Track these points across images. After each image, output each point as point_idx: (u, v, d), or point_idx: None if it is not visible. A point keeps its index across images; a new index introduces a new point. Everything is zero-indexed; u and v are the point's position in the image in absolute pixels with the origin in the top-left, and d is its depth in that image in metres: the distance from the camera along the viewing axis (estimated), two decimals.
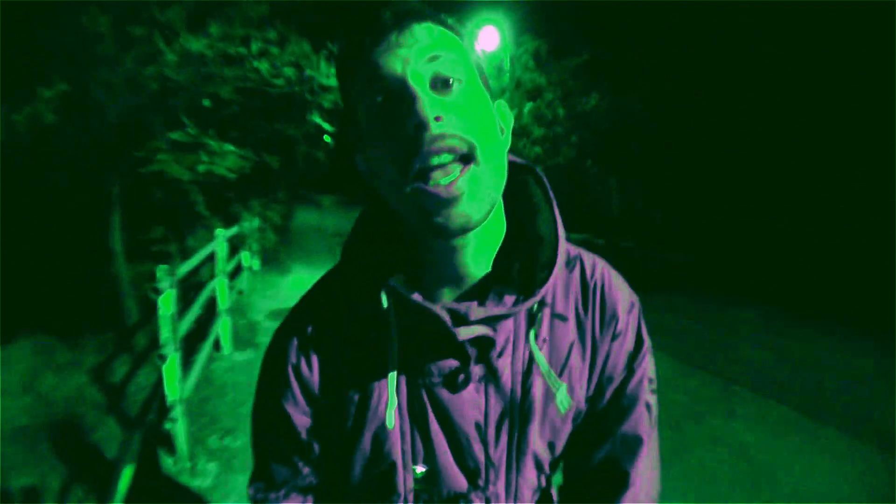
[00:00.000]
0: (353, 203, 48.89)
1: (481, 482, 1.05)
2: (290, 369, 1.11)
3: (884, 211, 13.53)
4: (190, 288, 7.75)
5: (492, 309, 0.97)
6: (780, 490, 4.54)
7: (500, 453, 1.05)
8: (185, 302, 5.75)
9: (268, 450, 1.16)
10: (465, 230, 0.90)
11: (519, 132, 24.22)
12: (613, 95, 20.37)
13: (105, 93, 7.02)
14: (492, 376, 1.02)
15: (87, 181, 7.75)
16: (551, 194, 1.08)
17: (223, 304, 7.57)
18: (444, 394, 1.02)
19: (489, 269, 1.03)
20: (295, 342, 1.12)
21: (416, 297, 0.97)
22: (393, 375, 1.01)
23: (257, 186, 11.99)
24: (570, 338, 1.07)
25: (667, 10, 17.91)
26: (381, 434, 1.04)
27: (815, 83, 15.09)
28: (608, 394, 1.11)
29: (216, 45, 7.60)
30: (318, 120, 10.42)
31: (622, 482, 1.08)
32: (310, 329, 1.12)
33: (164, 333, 4.49)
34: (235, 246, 10.55)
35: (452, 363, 1.01)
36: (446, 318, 0.95)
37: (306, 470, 1.15)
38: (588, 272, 1.12)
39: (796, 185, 16.05)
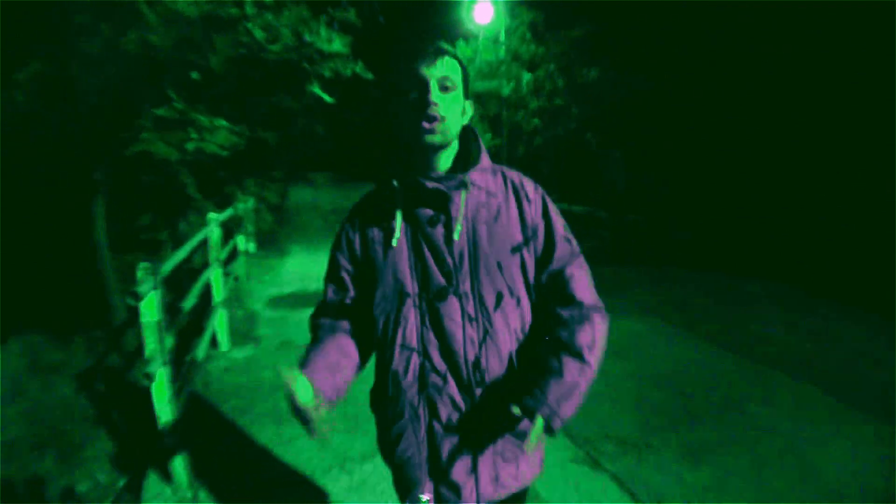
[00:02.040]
0: (346, 180, 48.46)
1: (453, 282, 1.84)
2: (343, 236, 2.03)
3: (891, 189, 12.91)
4: (182, 276, 7.13)
5: (442, 178, 1.84)
6: (828, 483, 4.37)
7: (465, 265, 1.85)
8: (175, 292, 5.16)
9: (325, 287, 2.11)
10: (433, 146, 1.82)
11: (517, 103, 23.76)
12: (618, 70, 19.72)
13: (83, 67, 6.25)
14: (453, 220, 1.86)
15: (68, 167, 7.17)
16: (479, 138, 1.99)
17: (219, 295, 6.98)
18: (428, 230, 1.86)
19: (448, 168, 1.92)
20: (347, 223, 2.04)
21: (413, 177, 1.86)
22: (399, 217, 1.89)
23: (252, 164, 11.23)
24: (499, 202, 1.93)
25: None
26: (394, 255, 1.88)
27: (825, 55, 14.49)
28: (540, 236, 1.96)
29: (204, 7, 6.80)
30: (318, 91, 9.66)
31: (569, 298, 1.95)
32: (356, 213, 2.04)
33: (150, 345, 3.80)
34: (230, 229, 9.82)
35: (430, 212, 1.86)
36: (425, 181, 1.82)
37: (348, 299, 2.05)
38: (507, 174, 2.01)
39: (805, 161, 15.53)
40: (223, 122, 7.64)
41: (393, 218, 1.91)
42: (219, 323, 6.90)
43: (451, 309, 1.84)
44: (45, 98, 6.37)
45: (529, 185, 2.02)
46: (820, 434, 5.04)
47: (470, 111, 1.96)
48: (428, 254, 1.86)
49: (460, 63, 1.87)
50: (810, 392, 5.95)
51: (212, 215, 7.17)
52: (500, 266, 1.87)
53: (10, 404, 5.53)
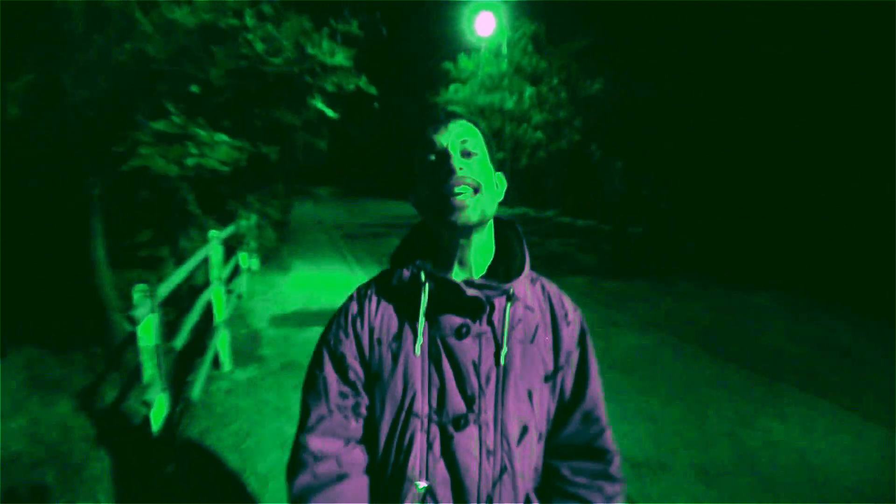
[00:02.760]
0: (348, 195, 48.52)
1: (475, 408, 1.55)
2: (348, 325, 1.66)
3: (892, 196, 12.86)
4: (184, 294, 6.98)
5: (485, 285, 1.56)
6: (842, 495, 4.44)
7: (490, 389, 1.56)
8: (177, 308, 5.02)
9: (320, 396, 1.63)
10: (466, 226, 1.52)
11: (520, 116, 23.73)
12: (620, 80, 19.72)
13: (76, 78, 6.12)
14: (484, 335, 1.57)
15: (64, 182, 7.02)
16: (523, 238, 1.74)
17: (220, 315, 6.83)
18: (452, 341, 1.56)
19: (484, 271, 1.64)
20: (352, 311, 1.69)
21: (441, 274, 1.58)
22: (422, 320, 1.57)
23: (254, 180, 11.09)
24: (536, 320, 1.67)
25: None
26: (409, 365, 1.56)
27: (828, 62, 14.49)
28: (572, 367, 1.72)
29: (202, 17, 6.66)
30: (320, 105, 9.54)
31: (599, 451, 1.74)
32: (365, 300, 1.70)
33: (148, 370, 3.65)
34: (232, 247, 9.68)
35: (459, 320, 1.57)
36: (463, 285, 1.53)
37: (361, 409, 1.64)
38: (546, 286, 1.78)
39: (805, 172, 15.52)
40: (224, 137, 7.50)
41: (415, 319, 1.59)
42: (221, 343, 6.74)
43: (469, 439, 1.54)
44: (38, 110, 6.22)
45: (569, 305, 1.77)
46: (832, 447, 5.10)
47: (504, 185, 1.72)
48: (449, 370, 1.56)
49: (478, 127, 1.65)
50: (820, 404, 6.02)
51: (213, 233, 7.04)
52: (529, 395, 1.61)
53: (10, 419, 5.43)
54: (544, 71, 22.22)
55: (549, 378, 1.65)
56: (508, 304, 1.59)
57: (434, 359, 1.55)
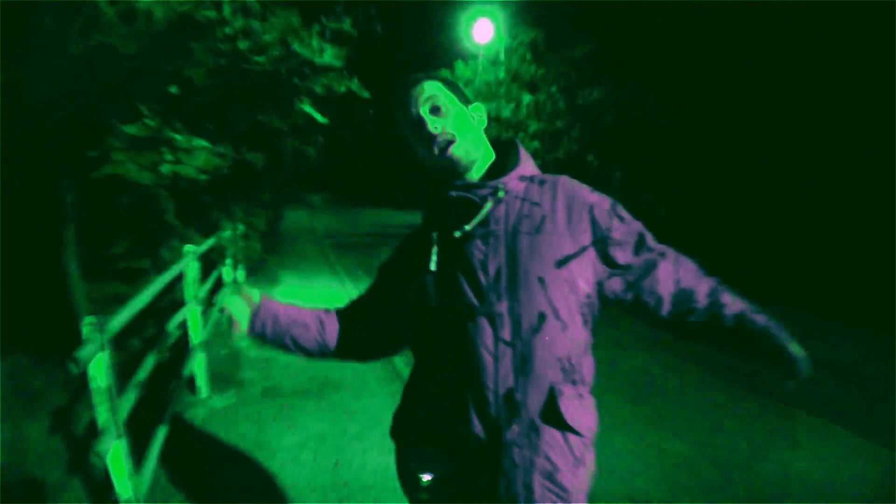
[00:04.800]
0: (342, 202, 48.41)
1: (486, 302, 1.69)
2: (392, 257, 2.02)
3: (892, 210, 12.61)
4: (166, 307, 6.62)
5: (470, 185, 1.79)
6: None
7: (501, 282, 1.69)
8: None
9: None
10: (456, 164, 1.78)
11: (516, 125, 23.42)
12: (620, 88, 19.45)
13: (39, 75, 5.60)
14: (490, 234, 1.74)
15: (36, 188, 6.52)
16: (518, 146, 1.91)
17: (196, 336, 6.30)
18: (462, 247, 1.75)
19: (480, 177, 1.86)
20: (398, 247, 2.02)
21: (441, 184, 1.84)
22: (435, 237, 1.82)
23: (239, 188, 10.55)
24: (544, 212, 1.77)
25: (675, 5, 17.06)
26: (430, 278, 1.77)
27: (830, 78, 14.33)
28: (619, 247, 1.82)
29: (175, 7, 6.10)
30: (308, 109, 9.03)
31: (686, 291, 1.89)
32: (406, 238, 2.01)
33: (101, 415, 3.09)
34: (214, 260, 9.15)
35: (460, 225, 1.77)
36: (451, 191, 1.79)
37: (374, 301, 2.05)
38: (559, 182, 1.86)
39: (809, 185, 15.35)
40: (202, 143, 6.98)
41: (431, 239, 1.85)
42: (197, 367, 6.27)
43: (482, 332, 1.69)
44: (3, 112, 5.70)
45: (586, 191, 1.88)
46: (848, 476, 4.93)
47: (480, 114, 1.93)
48: (460, 274, 1.76)
49: (440, 79, 1.87)
50: (833, 431, 5.80)
51: (188, 248, 6.55)
52: (542, 282, 1.70)
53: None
54: (542, 79, 21.89)
55: (564, 262, 1.72)
56: (496, 199, 1.77)
57: (446, 265, 1.78)
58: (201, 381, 6.33)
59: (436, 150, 1.78)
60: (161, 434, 4.45)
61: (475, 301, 1.71)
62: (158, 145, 6.49)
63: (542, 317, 1.68)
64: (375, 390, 6.65)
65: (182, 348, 6.40)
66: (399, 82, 1.88)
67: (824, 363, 7.68)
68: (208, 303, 6.98)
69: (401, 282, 1.93)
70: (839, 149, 14.40)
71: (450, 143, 1.78)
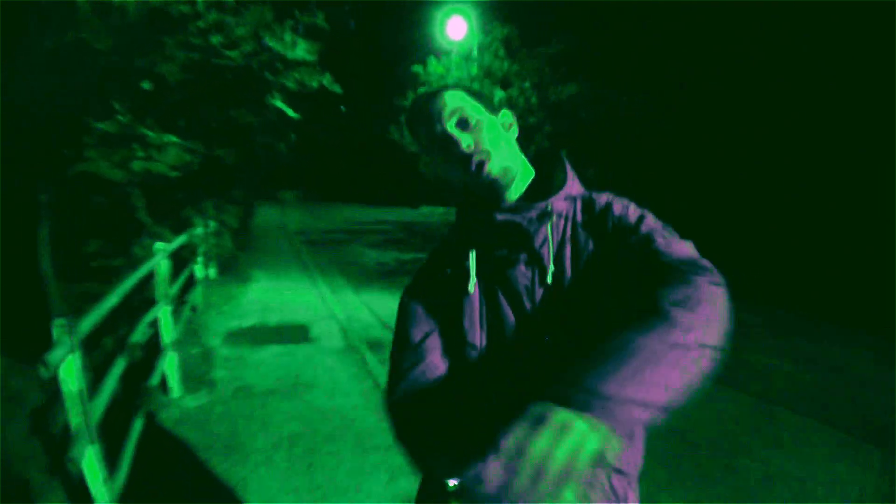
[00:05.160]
0: (314, 199, 48.24)
1: (536, 335, 1.54)
2: (418, 280, 1.80)
3: (886, 208, 12.64)
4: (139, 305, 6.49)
5: (516, 207, 1.62)
6: None
7: (551, 313, 1.54)
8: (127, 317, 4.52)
9: (404, 341, 1.71)
10: (497, 184, 1.61)
11: None
12: (594, 85, 19.43)
13: (25, 77, 5.52)
14: (534, 260, 1.58)
15: (12, 190, 6.35)
16: (565, 161, 1.72)
17: (168, 335, 6.24)
18: (506, 272, 1.59)
19: (522, 196, 1.68)
20: (424, 266, 1.84)
21: (480, 211, 1.66)
22: (473, 258, 1.63)
23: (210, 185, 10.45)
24: (592, 236, 1.60)
25: (653, 3, 17.08)
26: (467, 303, 1.61)
27: (817, 74, 14.34)
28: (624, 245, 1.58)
29: (150, 1, 6.01)
30: (279, 105, 8.94)
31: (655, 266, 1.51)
32: (434, 254, 1.83)
33: (74, 419, 3.02)
34: (185, 257, 9.05)
35: (505, 251, 1.62)
36: (496, 213, 1.61)
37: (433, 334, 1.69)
38: (595, 197, 1.69)
39: (788, 181, 15.33)
40: (173, 139, 6.92)
41: (467, 259, 1.67)
42: (169, 367, 6.18)
43: (525, 362, 1.55)
44: None
45: (617, 202, 1.69)
46: (831, 474, 4.90)
47: (509, 121, 1.71)
48: (505, 302, 1.59)
49: (462, 88, 1.68)
50: (817, 428, 5.77)
51: (159, 245, 6.47)
52: (597, 312, 1.51)
53: None
54: (515, 75, 21.88)
55: (615, 288, 1.52)
56: (549, 223, 1.59)
57: (488, 294, 1.61)
58: (173, 382, 6.25)
59: (472, 170, 1.58)
60: (134, 436, 4.39)
61: (521, 333, 1.56)
62: (130, 142, 6.42)
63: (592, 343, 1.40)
64: (348, 389, 6.58)
65: (154, 346, 6.31)
66: (416, 98, 1.70)
67: (807, 359, 7.79)
68: (180, 300, 6.88)
69: (434, 303, 1.72)
70: (823, 147, 14.46)
71: (484, 160, 1.58)
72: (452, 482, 1.37)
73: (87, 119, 6.14)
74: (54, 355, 2.83)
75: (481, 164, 1.56)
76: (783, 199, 15.44)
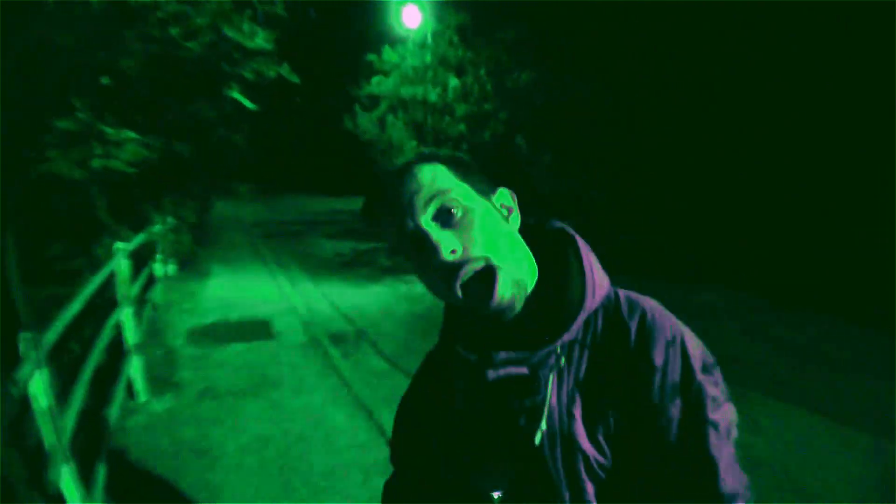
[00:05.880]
0: (269, 191, 48.01)
1: (538, 485, 1.18)
2: (405, 413, 1.47)
3: (838, 187, 12.87)
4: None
5: (513, 360, 1.19)
6: None
7: (554, 460, 1.16)
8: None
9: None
10: (504, 314, 1.14)
11: (443, 109, 23.36)
12: (551, 72, 19.42)
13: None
14: (543, 406, 1.17)
15: None
16: (585, 258, 1.24)
17: (132, 337, 6.11)
18: (501, 418, 1.20)
19: (527, 317, 1.19)
20: (408, 396, 1.47)
21: (467, 353, 1.24)
22: (465, 399, 1.27)
23: (168, 181, 10.27)
24: (613, 353, 1.18)
25: None
26: (459, 445, 1.26)
27: (772, 46, 14.38)
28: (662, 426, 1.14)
29: None
30: (237, 96, 8.80)
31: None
32: (416, 385, 1.46)
33: (48, 437, 2.92)
34: (145, 256, 8.90)
35: (507, 396, 1.20)
36: (495, 361, 1.19)
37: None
38: (633, 305, 1.22)
39: (742, 159, 15.44)
40: (131, 134, 6.77)
41: (457, 396, 1.31)
42: (134, 370, 6.04)
43: None
44: None
45: (662, 335, 1.18)
46: (814, 458, 4.93)
47: (508, 204, 1.29)
48: (504, 449, 1.23)
49: (442, 160, 1.22)
50: (794, 413, 5.80)
51: (118, 245, 6.33)
52: (609, 453, 1.18)
53: None
54: (470, 62, 21.85)
55: (632, 420, 1.16)
56: (551, 372, 1.18)
57: (485, 438, 1.24)
58: (139, 385, 6.13)
59: (457, 290, 1.14)
60: (106, 446, 4.31)
61: (523, 486, 1.21)
62: (89, 139, 6.25)
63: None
64: (313, 386, 6.52)
65: (117, 347, 6.16)
66: (380, 175, 1.29)
67: (775, 343, 7.86)
68: (141, 300, 6.72)
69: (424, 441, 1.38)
70: (777, 121, 14.57)
71: (476, 270, 1.13)
72: (496, 494, 1.25)
73: (49, 118, 5.98)
74: (23, 372, 2.70)
75: (477, 277, 1.13)
76: (743, 182, 15.52)
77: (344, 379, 6.68)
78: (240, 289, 11.47)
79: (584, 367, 1.20)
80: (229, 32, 7.62)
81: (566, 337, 1.17)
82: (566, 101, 19.10)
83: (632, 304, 1.23)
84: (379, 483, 4.16)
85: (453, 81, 22.52)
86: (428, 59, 23.52)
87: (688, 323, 1.25)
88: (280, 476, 4.60)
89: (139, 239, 8.03)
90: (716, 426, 1.14)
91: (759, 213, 14.78)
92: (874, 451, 4.95)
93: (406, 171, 1.18)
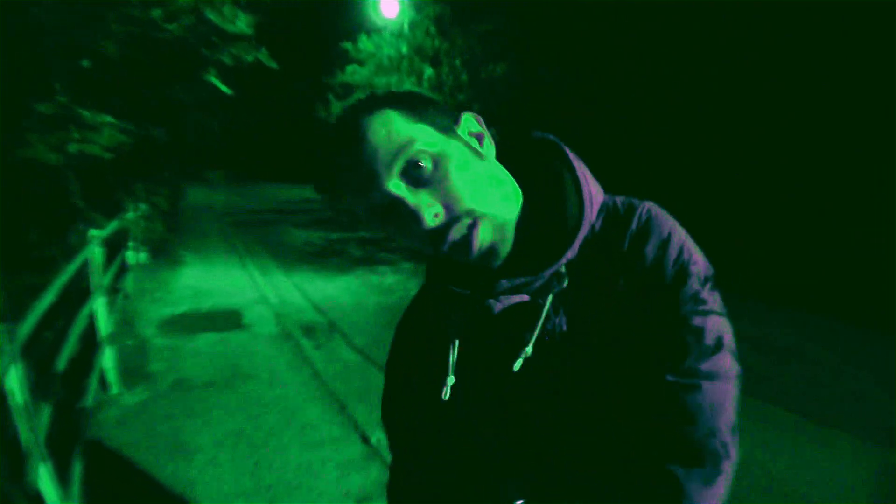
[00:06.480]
0: (241, 178, 47.75)
1: (530, 427, 1.10)
2: (395, 361, 1.34)
3: (821, 187, 12.92)
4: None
5: (509, 289, 1.08)
6: None
7: (546, 401, 1.08)
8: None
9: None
10: (491, 258, 1.06)
11: None
12: (527, 64, 19.45)
13: None
14: (553, 345, 1.06)
15: None
16: (578, 171, 1.13)
17: (104, 328, 6.01)
18: (495, 372, 1.10)
19: (514, 249, 1.09)
20: (396, 344, 1.35)
21: (456, 288, 1.16)
22: (453, 358, 1.14)
23: (142, 166, 10.13)
24: (611, 274, 1.06)
25: None
26: (452, 396, 1.13)
27: (746, 40, 14.40)
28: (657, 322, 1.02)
29: None
30: (214, 81, 8.70)
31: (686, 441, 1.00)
32: (404, 330, 1.35)
33: (24, 435, 2.87)
34: (117, 243, 8.78)
35: (500, 334, 1.10)
36: (490, 301, 1.10)
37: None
38: (623, 217, 1.11)
39: (717, 155, 15.52)
40: (108, 118, 6.67)
41: (449, 346, 1.17)
42: (107, 362, 5.95)
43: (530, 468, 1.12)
44: None
45: (652, 236, 1.08)
46: (800, 460, 4.87)
47: (477, 130, 1.13)
48: (492, 390, 1.13)
49: (393, 103, 1.03)
50: (777, 414, 5.73)
51: (93, 232, 6.26)
52: (607, 388, 1.04)
53: None
54: (446, 53, 21.84)
55: (635, 359, 1.03)
56: (549, 298, 1.07)
57: (471, 396, 1.16)
58: (112, 377, 6.03)
59: (446, 248, 1.04)
60: (81, 442, 4.30)
61: (513, 428, 1.13)
62: (67, 123, 6.13)
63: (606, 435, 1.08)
64: (286, 379, 6.47)
65: (89, 337, 6.01)
66: (324, 138, 1.10)
67: (752, 342, 7.80)
68: (113, 288, 6.61)
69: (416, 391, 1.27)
70: (770, 120, 14.39)
71: (465, 225, 1.03)
72: (519, 503, 1.18)
73: (30, 101, 5.86)
74: None
75: (464, 236, 1.03)
76: (710, 172, 15.61)
77: (316, 371, 6.64)
78: (211, 278, 11.42)
79: (585, 290, 1.09)
80: (210, 15, 7.53)
81: (569, 255, 1.07)
82: (540, 93, 19.14)
83: (630, 206, 1.14)
84: (355, 479, 4.07)
85: (428, 71, 22.50)
86: (404, 49, 23.52)
87: None
88: (254, 472, 4.54)
89: (112, 226, 7.91)
90: (707, 336, 1.06)
91: (738, 211, 14.83)
92: (858, 452, 4.97)
93: (354, 131, 1.01)
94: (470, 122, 1.12)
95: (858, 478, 4.58)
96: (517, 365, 1.05)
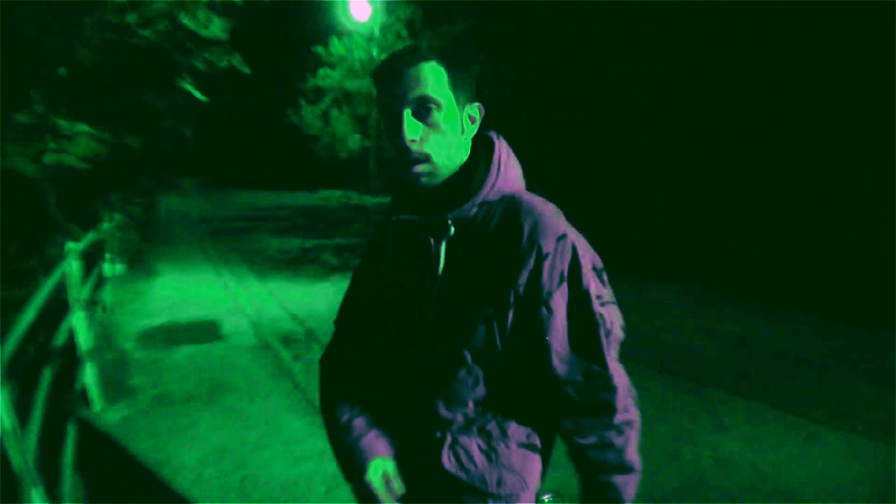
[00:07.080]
0: (214, 186, 47.47)
1: (415, 345, 1.54)
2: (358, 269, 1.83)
3: (809, 185, 13.07)
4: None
5: (426, 222, 1.51)
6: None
7: (431, 324, 1.48)
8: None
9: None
10: (421, 187, 1.48)
11: None
12: (498, 65, 19.45)
13: None
14: (426, 275, 1.50)
15: None
16: (498, 157, 1.54)
17: (85, 342, 5.88)
18: (403, 275, 1.56)
19: (439, 196, 1.51)
20: (363, 260, 1.83)
21: (395, 217, 1.58)
22: (384, 260, 1.65)
23: (116, 175, 10.01)
24: (496, 242, 1.44)
25: None
26: (375, 302, 1.66)
27: (714, 32, 14.54)
28: (546, 309, 1.41)
29: None
30: (188, 87, 8.61)
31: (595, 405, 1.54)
32: (370, 245, 1.80)
33: (15, 459, 2.75)
34: (93, 255, 8.66)
35: (407, 257, 1.56)
36: (400, 222, 1.56)
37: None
38: (526, 206, 1.46)
39: (687, 153, 15.72)
40: (84, 127, 6.57)
41: (381, 259, 1.70)
42: (89, 378, 5.84)
43: (409, 381, 1.61)
44: None
45: (548, 233, 1.43)
46: (784, 453, 4.92)
47: (474, 115, 1.56)
48: (400, 313, 1.58)
49: (445, 61, 1.47)
50: (757, 408, 5.77)
51: (70, 245, 6.12)
52: (469, 326, 1.45)
53: None
54: None
55: (491, 312, 1.44)
56: (444, 238, 1.49)
57: (388, 295, 1.62)
58: (94, 393, 5.91)
59: (402, 163, 1.47)
60: (67, 461, 4.20)
61: (406, 342, 1.57)
62: (43, 133, 6.02)
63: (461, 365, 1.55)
64: (268, 390, 6.40)
65: (68, 351, 5.91)
66: (392, 57, 1.49)
67: (734, 339, 7.86)
68: (91, 302, 6.49)
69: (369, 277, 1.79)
70: (730, 109, 14.75)
71: (419, 161, 1.45)
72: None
73: (8, 111, 5.74)
74: None
75: (414, 163, 1.45)
76: (683, 170, 15.68)
77: (297, 383, 6.58)
78: (187, 288, 11.32)
79: (477, 249, 1.46)
80: (185, 20, 7.45)
81: (457, 214, 1.46)
82: (507, 93, 19.18)
83: (532, 203, 1.48)
84: (342, 494, 3.99)
85: None
86: (375, 52, 23.54)
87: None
88: (240, 490, 4.47)
89: (89, 238, 7.85)
90: (602, 321, 1.45)
91: (731, 210, 14.88)
92: (848, 448, 4.97)
93: (413, 63, 1.42)
94: (474, 110, 1.54)
95: (848, 474, 4.58)
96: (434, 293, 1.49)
